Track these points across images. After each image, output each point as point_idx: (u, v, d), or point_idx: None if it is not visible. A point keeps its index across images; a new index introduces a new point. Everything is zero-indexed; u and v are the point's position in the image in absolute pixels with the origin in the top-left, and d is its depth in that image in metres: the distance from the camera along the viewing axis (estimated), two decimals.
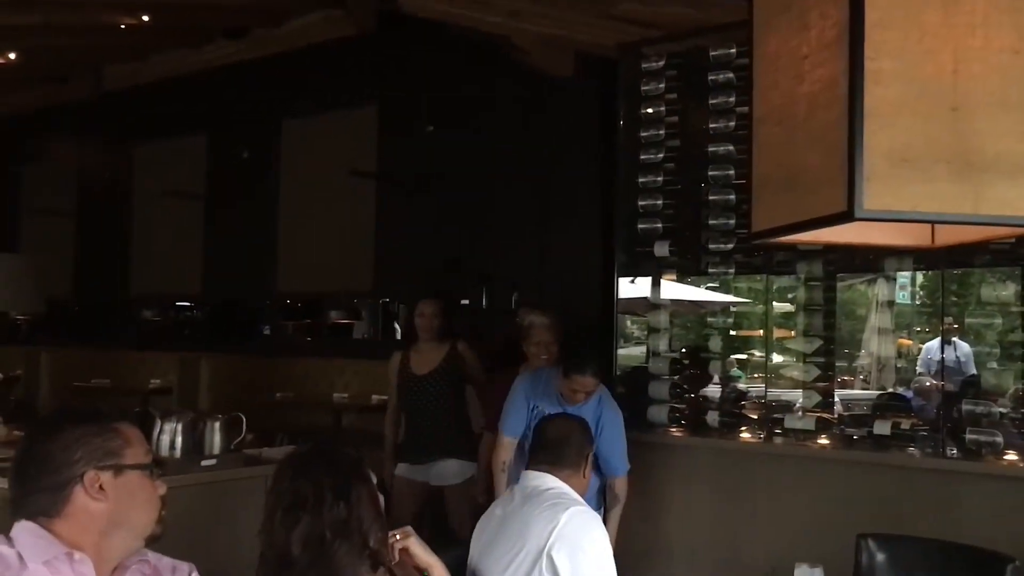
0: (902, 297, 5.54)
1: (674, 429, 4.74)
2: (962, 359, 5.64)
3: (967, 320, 4.52)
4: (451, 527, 4.73)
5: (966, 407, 3.99)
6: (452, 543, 2.81)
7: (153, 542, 1.80)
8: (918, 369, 5.53)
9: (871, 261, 4.39)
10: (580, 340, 4.53)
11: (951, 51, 1.75)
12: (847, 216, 1.73)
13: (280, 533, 1.96)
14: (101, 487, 1.70)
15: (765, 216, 2.08)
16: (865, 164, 1.72)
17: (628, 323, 5.50)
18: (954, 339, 5.46)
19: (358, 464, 2.09)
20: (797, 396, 4.65)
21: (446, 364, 4.87)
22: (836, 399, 4.66)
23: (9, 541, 1.67)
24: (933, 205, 1.73)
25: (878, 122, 1.74)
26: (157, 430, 3.90)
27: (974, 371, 5.26)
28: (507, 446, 4.01)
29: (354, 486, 2.01)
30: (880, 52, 1.75)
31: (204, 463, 3.88)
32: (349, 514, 1.97)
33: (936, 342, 5.37)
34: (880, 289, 5.39)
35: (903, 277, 5.16)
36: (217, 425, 4.05)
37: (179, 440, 3.90)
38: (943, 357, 4.46)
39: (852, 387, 6.02)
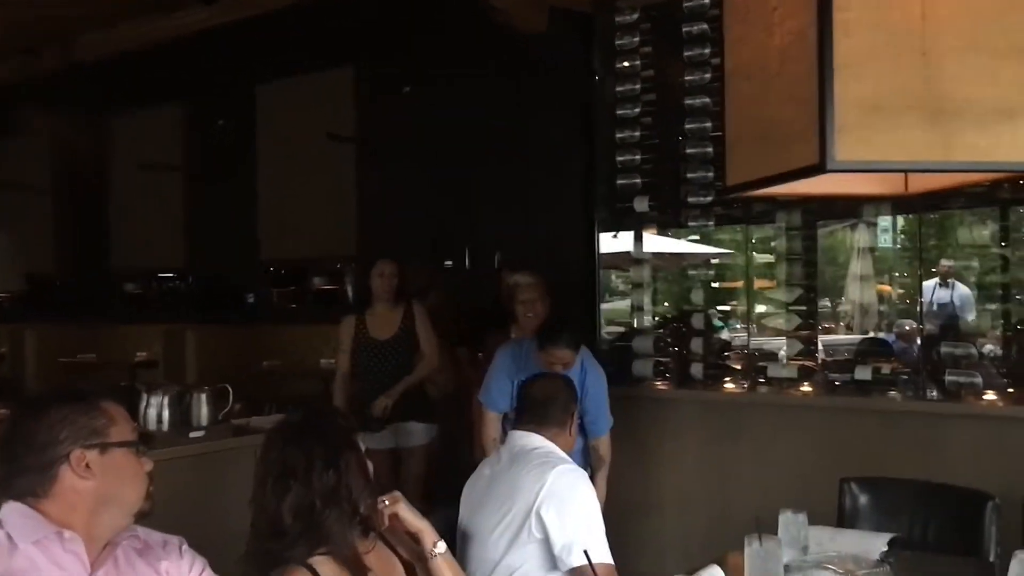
0: (884, 241, 5.56)
1: (659, 383, 4.78)
2: (957, 302, 5.67)
3: (942, 263, 4.56)
4: (423, 489, 4.71)
5: (945, 349, 4.04)
6: (438, 505, 2.83)
7: (142, 518, 1.81)
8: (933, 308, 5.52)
9: (850, 208, 4.41)
10: (556, 311, 4.54)
11: None
12: (819, 168, 1.74)
13: (271, 502, 1.98)
14: (88, 465, 1.70)
15: (739, 170, 2.08)
16: (836, 115, 1.73)
17: (613, 277, 5.52)
18: (951, 281, 5.47)
19: (347, 432, 2.10)
20: (781, 345, 4.69)
21: (405, 327, 4.81)
22: (819, 346, 4.70)
23: None
24: (904, 154, 1.74)
25: (848, 72, 1.74)
26: (144, 404, 3.91)
27: (972, 314, 5.31)
28: (493, 420, 4.00)
29: (343, 454, 2.03)
30: (848, 1, 1.74)
31: (192, 435, 3.89)
32: (338, 482, 1.99)
33: (931, 283, 5.41)
34: (861, 235, 5.41)
35: (884, 221, 5.17)
36: (204, 397, 4.06)
37: (166, 413, 3.91)
38: (931, 300, 4.50)
39: (836, 334, 6.08)
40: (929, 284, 5.43)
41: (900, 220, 4.78)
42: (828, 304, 5.29)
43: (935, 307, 5.41)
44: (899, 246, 5.37)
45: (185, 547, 1.91)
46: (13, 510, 1.69)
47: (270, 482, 1.99)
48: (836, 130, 1.72)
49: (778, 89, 1.88)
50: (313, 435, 2.05)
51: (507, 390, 3.98)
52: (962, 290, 5.66)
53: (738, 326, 5.36)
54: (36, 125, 10.49)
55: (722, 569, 2.41)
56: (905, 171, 2.02)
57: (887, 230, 5.36)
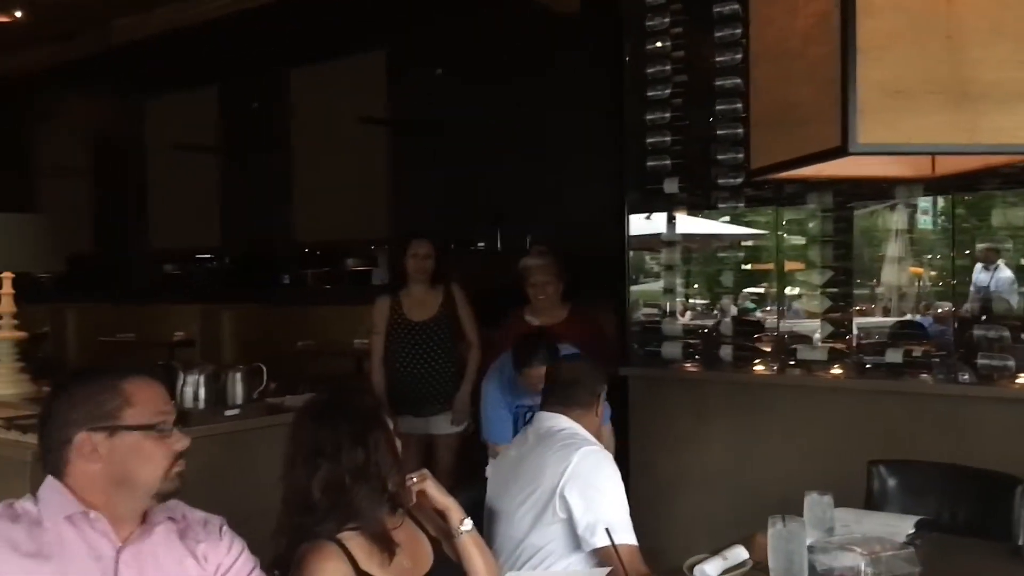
0: (924, 223, 5.49)
1: (689, 364, 4.78)
2: (994, 286, 5.56)
3: (977, 246, 4.50)
4: (452, 479, 4.68)
5: (978, 332, 4.01)
6: (463, 486, 2.86)
7: (169, 497, 1.81)
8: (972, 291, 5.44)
9: (882, 189, 4.37)
10: (573, 291, 4.54)
11: None
12: (841, 151, 1.75)
13: (301, 479, 2.03)
14: (95, 449, 1.70)
15: (763, 152, 2.09)
16: (858, 98, 1.73)
17: (648, 259, 5.52)
18: (1000, 263, 5.38)
19: (375, 410, 2.15)
20: (812, 327, 4.67)
21: (444, 310, 4.71)
22: (855, 328, 4.66)
23: (35, 499, 1.72)
24: (928, 136, 1.73)
25: (871, 55, 1.73)
26: (180, 383, 3.98)
27: (1014, 297, 5.22)
28: (500, 451, 3.63)
29: (371, 432, 2.07)
30: None
31: (227, 413, 3.96)
32: (367, 459, 2.03)
33: (978, 266, 5.33)
34: (899, 216, 5.35)
35: (925, 202, 5.10)
36: (238, 376, 4.12)
37: (202, 392, 3.98)
38: (972, 282, 4.43)
39: (873, 315, 6.03)
40: (979, 266, 5.37)
41: (940, 201, 4.71)
42: (865, 286, 5.23)
43: (974, 289, 5.34)
44: (938, 227, 5.29)
45: (225, 528, 1.91)
46: (49, 485, 1.73)
47: (300, 459, 2.04)
48: (858, 113, 1.72)
49: (801, 71, 1.88)
50: (341, 413, 2.09)
51: (507, 419, 3.85)
52: (1004, 273, 5.57)
53: (767, 308, 5.34)
54: (75, 109, 10.65)
55: (747, 549, 2.43)
56: (928, 154, 2.01)
57: (927, 211, 5.28)
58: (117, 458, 1.71)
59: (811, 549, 2.42)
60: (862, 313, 4.74)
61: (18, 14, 8.68)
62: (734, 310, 5.49)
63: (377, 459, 2.05)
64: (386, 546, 2.03)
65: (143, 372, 1.82)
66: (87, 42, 9.77)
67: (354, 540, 2.01)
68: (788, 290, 4.86)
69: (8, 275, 4.48)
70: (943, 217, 5.10)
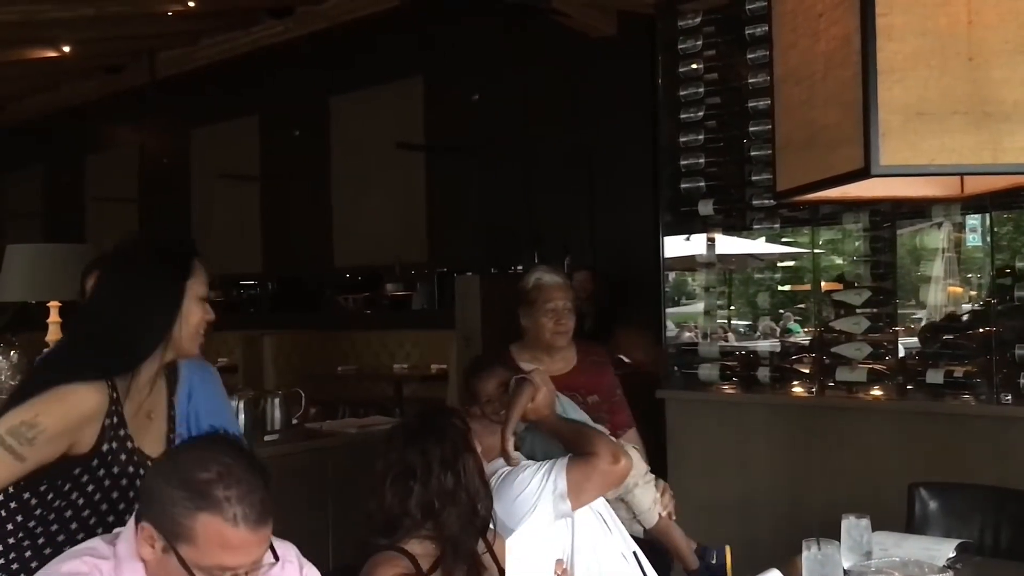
0: (973, 240, 5.41)
1: (726, 386, 4.76)
2: None
3: (1018, 264, 4.43)
4: None
5: (1019, 352, 3.94)
6: None
7: None
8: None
9: (919, 208, 4.33)
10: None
11: (964, 2, 1.74)
12: (864, 173, 1.75)
13: (390, 499, 2.07)
14: (152, 543, 1.58)
15: (789, 175, 2.09)
16: (880, 120, 1.73)
17: (690, 281, 5.51)
18: None
19: (464, 434, 2.17)
20: (851, 348, 4.61)
21: None
22: (900, 349, 4.60)
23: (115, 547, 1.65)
24: (951, 157, 1.73)
25: (892, 77, 1.74)
26: None
27: None
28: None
29: (461, 456, 2.10)
30: (892, 7, 1.74)
31: (267, 438, 4.01)
32: (456, 483, 2.07)
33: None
34: (944, 235, 5.29)
35: (973, 220, 5.04)
36: (277, 401, 4.19)
37: (242, 417, 4.04)
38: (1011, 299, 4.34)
39: (914, 335, 5.95)
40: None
41: (988, 219, 4.65)
42: (906, 306, 5.16)
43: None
44: (987, 245, 5.22)
45: (295, 552, 1.85)
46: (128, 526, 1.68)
47: (389, 480, 2.08)
48: (881, 135, 1.72)
49: (824, 94, 1.89)
50: (432, 437, 2.12)
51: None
52: None
53: (803, 330, 5.30)
54: (122, 139, 10.91)
55: (785, 574, 2.41)
56: (951, 174, 2.01)
57: (975, 229, 5.21)
58: (161, 569, 1.59)
59: (848, 573, 2.39)
60: (902, 334, 4.66)
61: (66, 48, 8.93)
62: (776, 331, 5.46)
63: (466, 482, 2.08)
64: (475, 570, 2.07)
65: (242, 505, 1.56)
66: (134, 74, 10.03)
67: (417, 546, 2.05)
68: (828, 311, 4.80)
69: (55, 304, 4.58)
70: (989, 236, 5.03)
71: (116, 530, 1.71)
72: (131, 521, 1.65)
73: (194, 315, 2.03)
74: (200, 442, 1.68)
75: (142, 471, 1.94)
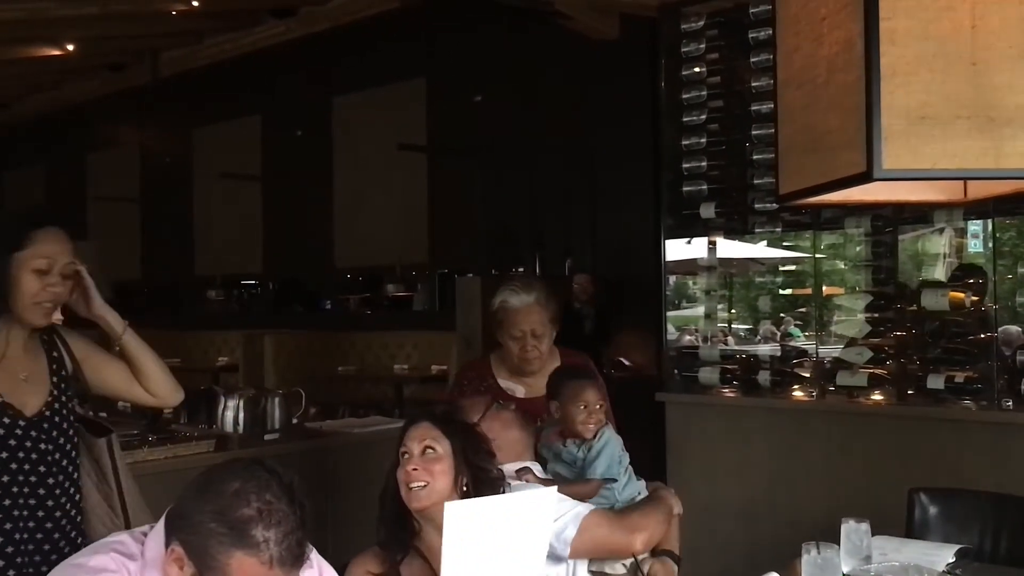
0: (975, 246, 5.41)
1: (727, 390, 4.75)
2: None
3: (1020, 270, 4.44)
4: None
5: (1020, 358, 3.94)
6: None
7: None
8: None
9: (921, 213, 4.33)
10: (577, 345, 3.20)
11: (968, 7, 1.74)
12: (866, 177, 1.75)
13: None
14: (181, 565, 1.51)
15: (791, 178, 2.10)
16: (883, 124, 1.73)
17: (691, 283, 5.51)
18: None
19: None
20: (851, 352, 4.61)
21: None
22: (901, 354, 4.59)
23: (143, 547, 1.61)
24: (953, 162, 1.73)
25: (895, 81, 1.74)
26: (221, 407, 4.05)
27: None
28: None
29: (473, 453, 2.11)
30: (895, 11, 1.75)
31: (267, 437, 4.01)
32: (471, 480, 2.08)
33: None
34: (945, 240, 5.28)
35: (975, 226, 5.04)
36: (277, 400, 4.18)
37: (242, 416, 4.04)
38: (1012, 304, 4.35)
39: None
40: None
41: (990, 225, 4.66)
42: (907, 311, 5.16)
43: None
44: (989, 251, 5.22)
45: (314, 554, 1.75)
46: (156, 531, 1.63)
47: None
48: (883, 139, 1.73)
49: (826, 98, 1.89)
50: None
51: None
52: None
53: (804, 334, 5.30)
54: (124, 138, 10.92)
55: None
56: (953, 179, 2.01)
57: (977, 235, 5.20)
58: None
59: None
60: (906, 338, 4.65)
61: (70, 47, 8.94)
62: (777, 335, 5.47)
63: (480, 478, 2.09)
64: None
65: (280, 547, 1.50)
66: (136, 73, 10.04)
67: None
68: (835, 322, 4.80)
69: None
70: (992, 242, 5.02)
71: (145, 527, 1.66)
72: (160, 523, 1.60)
73: (28, 285, 2.07)
74: (243, 472, 1.56)
75: (17, 428, 2.08)
